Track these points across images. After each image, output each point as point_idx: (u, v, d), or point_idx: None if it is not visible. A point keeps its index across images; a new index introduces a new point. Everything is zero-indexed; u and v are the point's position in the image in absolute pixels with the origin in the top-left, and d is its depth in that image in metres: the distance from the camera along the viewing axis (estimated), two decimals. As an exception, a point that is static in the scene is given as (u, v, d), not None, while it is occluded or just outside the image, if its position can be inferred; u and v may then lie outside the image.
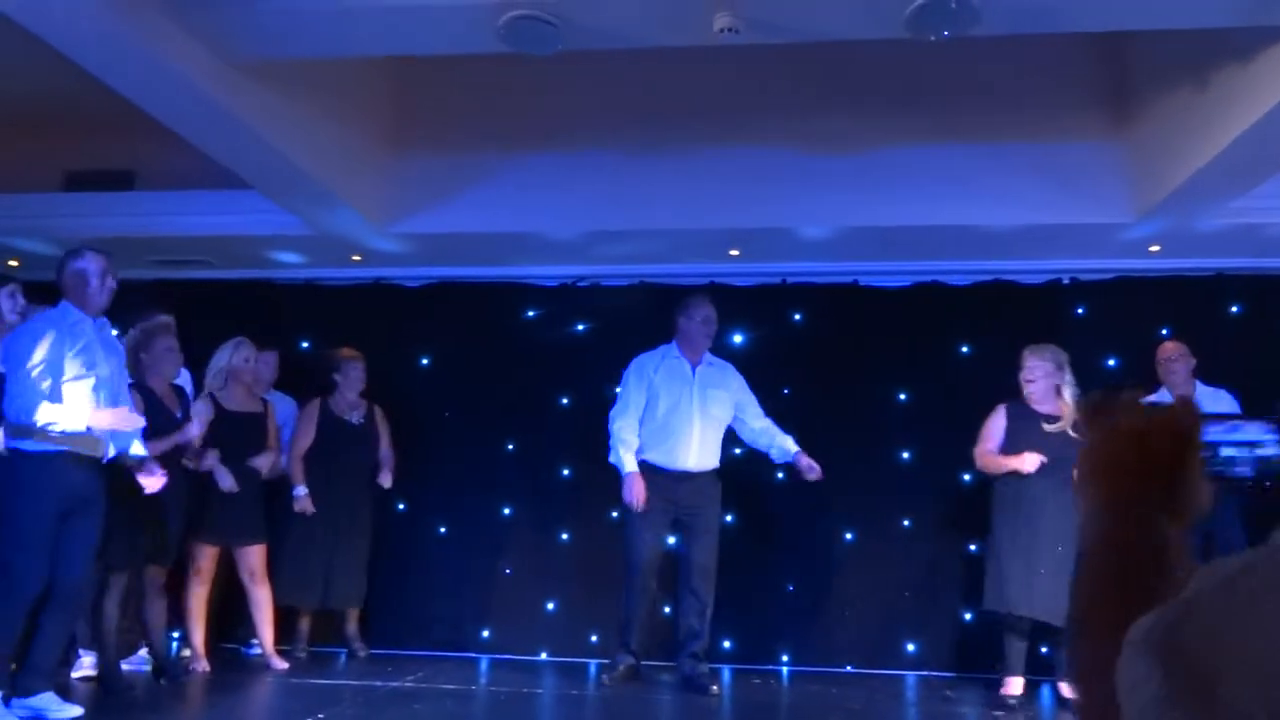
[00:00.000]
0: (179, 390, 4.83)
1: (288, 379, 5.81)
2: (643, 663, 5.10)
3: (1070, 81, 5.19)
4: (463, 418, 6.07)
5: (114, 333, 4.24)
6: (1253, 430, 0.89)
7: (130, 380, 4.39)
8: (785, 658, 5.68)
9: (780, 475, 5.83)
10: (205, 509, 4.92)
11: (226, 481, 4.92)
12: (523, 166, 5.43)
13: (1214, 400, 5.24)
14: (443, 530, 6.01)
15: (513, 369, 6.00)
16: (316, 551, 5.38)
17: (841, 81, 5.21)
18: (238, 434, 5.08)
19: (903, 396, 5.85)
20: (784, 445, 5.13)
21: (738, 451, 5.86)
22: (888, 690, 5.17)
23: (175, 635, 5.28)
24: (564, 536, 5.93)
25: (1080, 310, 5.82)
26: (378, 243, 5.78)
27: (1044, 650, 5.09)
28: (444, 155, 5.50)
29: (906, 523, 5.73)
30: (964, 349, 5.86)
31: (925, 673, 5.52)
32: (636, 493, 4.88)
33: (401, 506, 5.96)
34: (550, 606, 5.87)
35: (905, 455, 5.80)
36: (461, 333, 6.14)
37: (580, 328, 6.13)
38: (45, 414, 3.74)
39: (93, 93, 4.09)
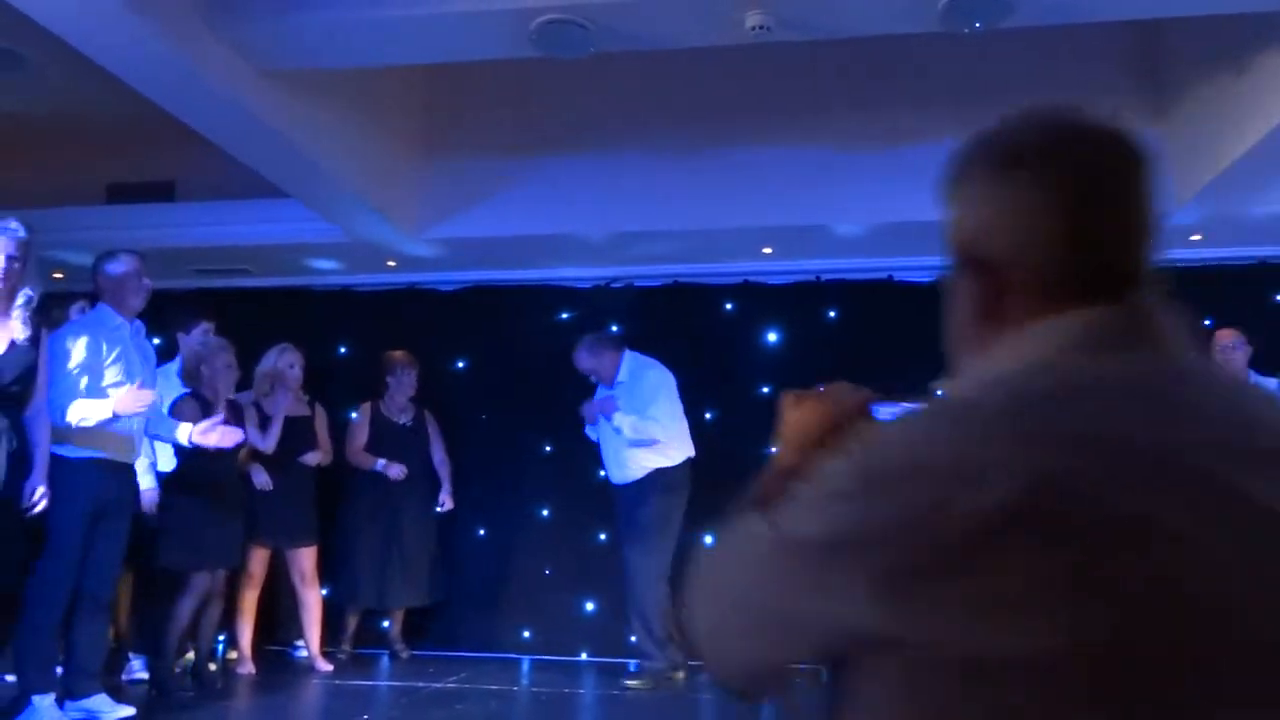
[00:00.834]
0: (235, 405, 4.92)
1: (325, 383, 5.87)
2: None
3: (1105, 71, 5.13)
4: (499, 420, 6.11)
5: (155, 341, 4.34)
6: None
7: (187, 390, 4.53)
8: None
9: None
10: (258, 512, 5.01)
11: (261, 479, 5.00)
12: (554, 169, 5.46)
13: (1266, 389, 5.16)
14: (482, 532, 6.05)
15: (548, 371, 6.02)
16: (371, 553, 5.46)
17: (874, 77, 5.18)
18: (288, 437, 5.17)
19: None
20: None
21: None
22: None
23: (221, 638, 5.37)
24: (602, 537, 5.94)
25: (1119, 301, 5.74)
26: (412, 248, 5.83)
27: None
28: (475, 159, 5.54)
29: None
30: (1001, 343, 5.80)
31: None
32: None
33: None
34: (590, 607, 5.89)
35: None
36: (496, 336, 6.18)
37: (614, 329, 6.15)
38: (75, 411, 3.81)
39: (133, 105, 4.17)
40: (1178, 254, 5.63)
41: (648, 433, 5.01)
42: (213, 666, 5.05)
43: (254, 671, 5.04)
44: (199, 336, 4.95)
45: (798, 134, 5.26)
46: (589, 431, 5.35)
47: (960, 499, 0.68)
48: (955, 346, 0.93)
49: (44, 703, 3.72)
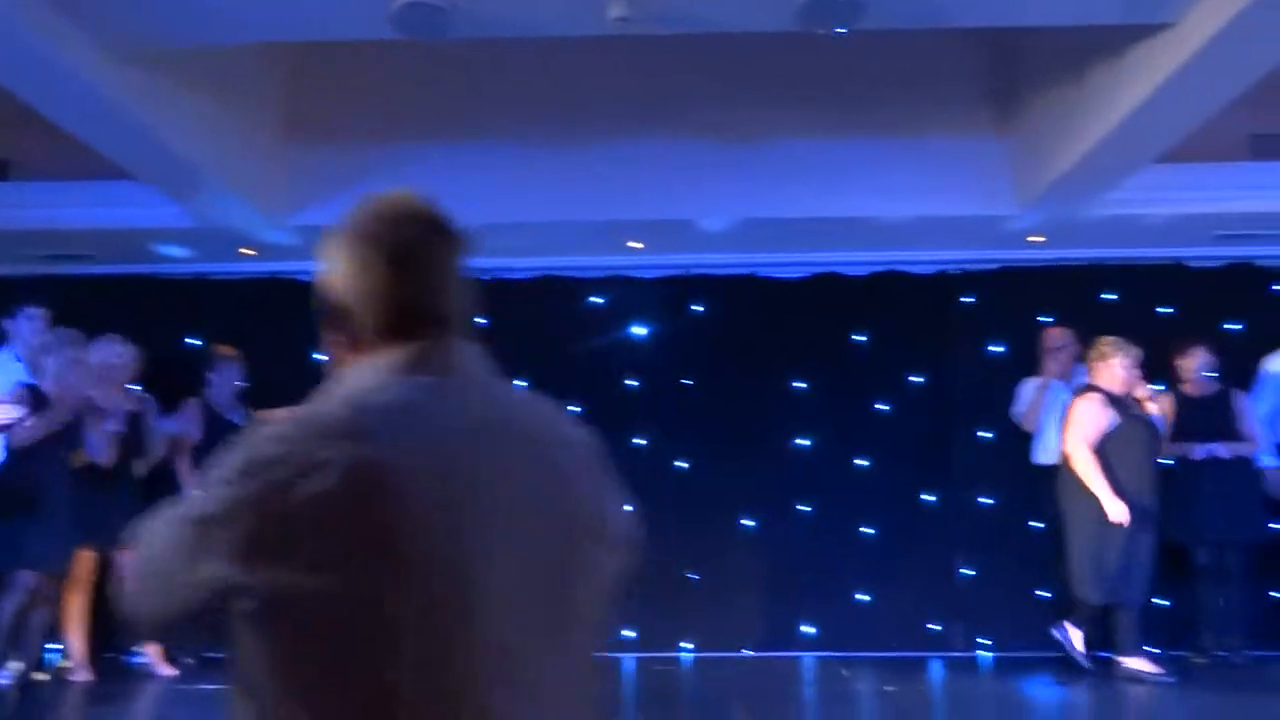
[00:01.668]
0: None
1: (170, 377, 5.61)
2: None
3: (959, 78, 5.38)
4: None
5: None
6: None
7: (27, 381, 4.28)
8: (687, 645, 5.75)
9: (682, 464, 5.90)
10: (84, 513, 4.72)
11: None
12: (421, 157, 5.35)
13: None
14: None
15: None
16: None
17: (740, 75, 5.29)
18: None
19: (800, 385, 5.98)
20: None
21: (640, 442, 5.92)
22: (786, 672, 5.28)
23: (55, 647, 5.06)
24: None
25: (968, 299, 6.04)
26: (272, 235, 5.63)
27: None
28: (342, 146, 5.39)
29: (805, 507, 5.85)
30: (860, 338, 6.01)
31: (823, 653, 5.65)
32: None
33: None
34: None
35: (804, 442, 5.92)
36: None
37: (482, 322, 6.08)
38: None
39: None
40: (1021, 255, 5.96)
41: None
42: (44, 676, 4.75)
43: (91, 679, 4.76)
44: (24, 324, 4.65)
45: (665, 129, 5.32)
46: None
47: (299, 485, 0.94)
48: (331, 370, 1.17)
49: None
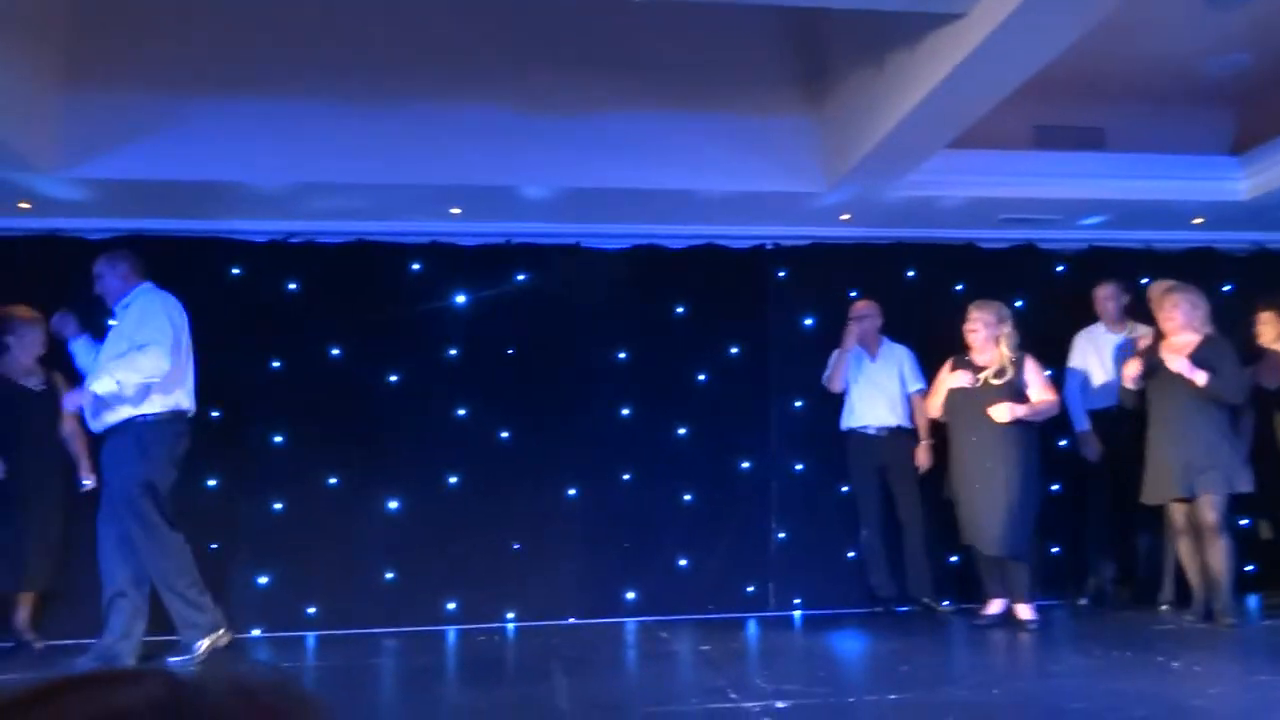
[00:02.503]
0: None
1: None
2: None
3: (771, 58, 5.53)
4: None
5: None
6: None
7: None
8: (510, 615, 5.74)
9: (504, 434, 5.87)
10: None
11: None
12: (225, 110, 5.03)
13: (896, 356, 5.85)
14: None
15: (216, 331, 5.57)
16: (7, 531, 4.82)
17: (563, 42, 5.24)
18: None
19: (622, 355, 6.05)
20: None
21: (461, 413, 5.83)
22: (608, 637, 5.37)
23: None
24: (276, 507, 5.63)
25: (782, 273, 6.27)
26: (50, 188, 5.16)
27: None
28: (133, 94, 4.98)
29: (627, 476, 5.94)
30: (679, 309, 6.14)
31: (644, 618, 5.78)
32: None
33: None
34: (263, 581, 5.57)
35: (625, 412, 6.00)
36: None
37: (292, 287, 5.81)
38: None
39: None
40: (829, 232, 6.24)
41: (134, 366, 4.37)
42: None
43: None
44: None
45: (487, 92, 5.22)
46: None
47: None
48: None
49: None
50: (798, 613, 5.95)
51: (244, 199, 5.44)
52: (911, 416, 5.79)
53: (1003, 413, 5.09)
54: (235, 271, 5.78)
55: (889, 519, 5.81)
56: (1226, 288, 6.42)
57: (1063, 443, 5.98)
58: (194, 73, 5.00)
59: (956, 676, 4.32)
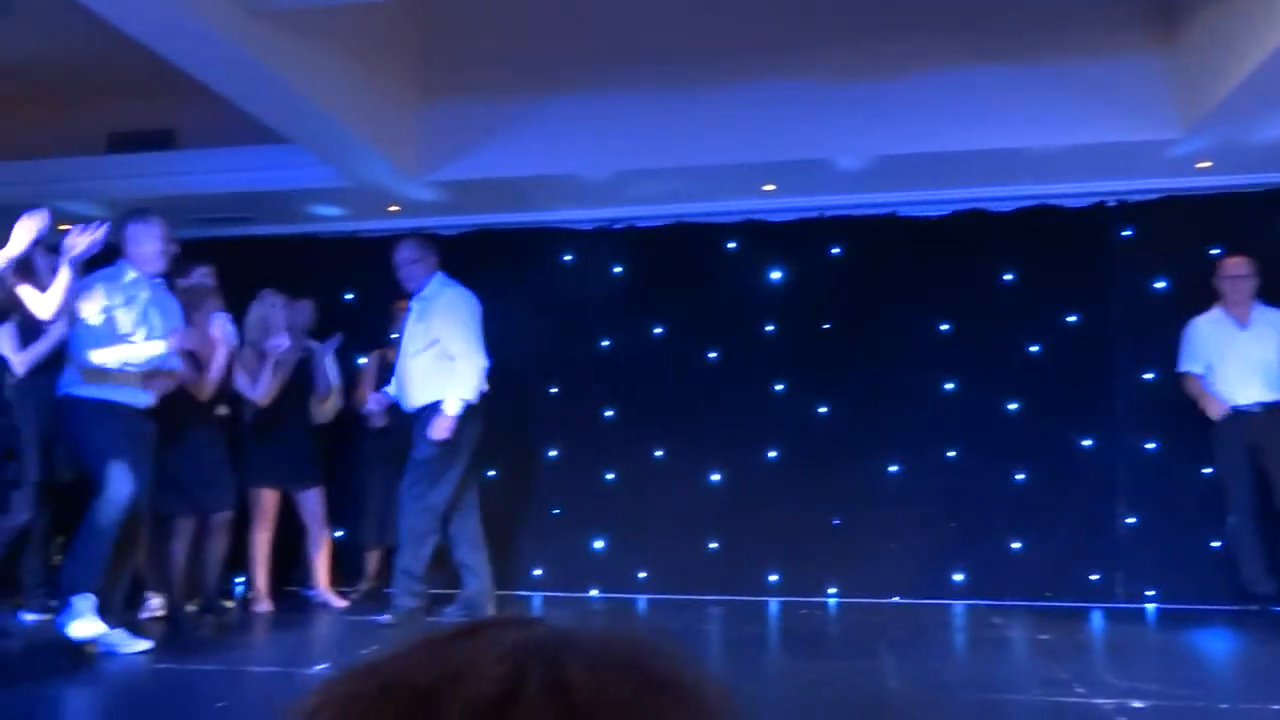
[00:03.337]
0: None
1: (331, 330, 5.88)
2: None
3: (1114, -6, 5.02)
4: (503, 364, 6.11)
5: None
6: None
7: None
8: (832, 590, 5.72)
9: (823, 409, 5.83)
10: (262, 454, 5.09)
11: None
12: (554, 108, 5.41)
13: (1273, 323, 5.12)
14: (492, 473, 6.10)
15: (552, 314, 6.02)
16: (376, 490, 5.53)
17: (871, 7, 5.09)
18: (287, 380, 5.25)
19: (945, 327, 5.79)
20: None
21: (779, 388, 5.87)
22: (935, 619, 5.20)
23: (240, 580, 5.47)
24: (609, 477, 5.99)
25: (1126, 232, 5.69)
26: (414, 192, 5.81)
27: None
28: (475, 100, 5.49)
29: (951, 453, 5.70)
30: (1007, 276, 5.76)
31: (973, 601, 5.53)
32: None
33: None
34: (599, 545, 5.96)
35: (949, 386, 5.75)
36: (500, 280, 6.14)
37: (618, 270, 6.14)
38: (98, 357, 4.01)
39: (131, 52, 4.13)
40: (1185, 183, 5.56)
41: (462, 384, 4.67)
42: (230, 604, 5.16)
43: (270, 609, 5.15)
44: (198, 279, 4.97)
45: (797, 68, 5.18)
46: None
47: None
48: None
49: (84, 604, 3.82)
50: (1150, 605, 5.41)
51: (572, 190, 5.82)
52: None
53: None
54: (567, 258, 6.20)
55: (1264, 506, 5.11)
56: None
57: None
58: (525, 79, 5.41)
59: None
